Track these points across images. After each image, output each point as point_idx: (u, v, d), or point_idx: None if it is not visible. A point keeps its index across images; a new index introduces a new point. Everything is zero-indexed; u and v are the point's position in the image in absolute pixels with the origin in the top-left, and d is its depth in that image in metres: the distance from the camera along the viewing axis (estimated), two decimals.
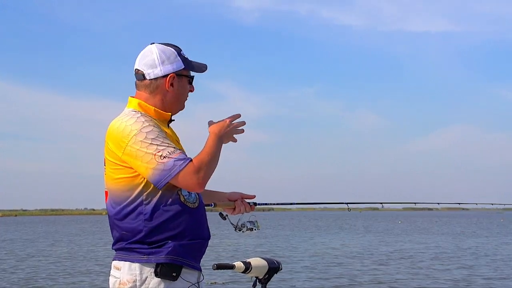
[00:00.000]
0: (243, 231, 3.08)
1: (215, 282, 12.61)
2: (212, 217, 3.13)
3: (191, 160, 2.57)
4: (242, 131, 2.82)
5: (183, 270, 2.63)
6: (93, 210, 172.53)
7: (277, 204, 3.37)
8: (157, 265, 2.58)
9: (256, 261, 3.17)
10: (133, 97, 2.78)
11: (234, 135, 2.81)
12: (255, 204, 3.10)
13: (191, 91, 2.83)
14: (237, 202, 3.04)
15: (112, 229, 2.72)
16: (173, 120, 2.83)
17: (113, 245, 2.73)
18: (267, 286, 3.21)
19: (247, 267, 3.14)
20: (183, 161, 2.54)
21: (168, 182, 2.55)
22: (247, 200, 3.08)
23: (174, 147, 2.57)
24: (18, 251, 23.35)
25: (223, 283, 12.63)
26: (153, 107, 2.73)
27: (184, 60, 2.76)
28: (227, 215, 3.05)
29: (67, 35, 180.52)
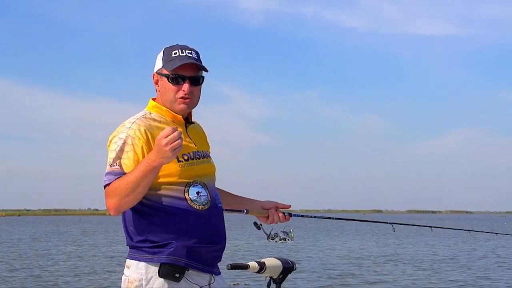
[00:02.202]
0: (276, 241, 3.06)
1: (238, 284, 12.57)
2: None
3: (109, 183, 2.53)
4: (178, 144, 2.44)
5: (190, 271, 2.63)
6: (97, 210, 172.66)
7: (314, 216, 3.32)
8: (161, 265, 2.59)
9: (271, 261, 3.16)
10: (154, 98, 2.83)
11: (172, 150, 2.45)
12: (290, 214, 3.07)
13: (183, 90, 2.71)
14: (271, 211, 3.01)
15: (123, 226, 2.75)
16: (193, 122, 2.84)
17: (126, 242, 2.75)
18: (281, 286, 3.20)
19: (262, 267, 3.13)
20: (108, 178, 2.55)
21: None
22: (282, 210, 3.04)
23: (118, 162, 2.56)
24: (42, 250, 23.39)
25: (245, 284, 12.60)
26: (166, 108, 2.76)
27: (166, 59, 2.76)
28: (261, 224, 3.03)
29: (68, 36, 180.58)
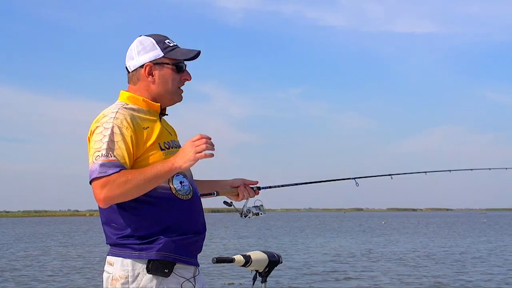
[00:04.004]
0: (249, 217, 3.06)
1: (233, 283, 12.53)
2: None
3: (109, 174, 2.46)
4: (209, 155, 2.54)
5: (177, 265, 2.60)
6: (77, 211, 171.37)
7: (281, 185, 3.30)
8: (149, 261, 2.55)
9: (256, 255, 3.15)
10: (125, 90, 2.77)
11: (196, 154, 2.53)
12: (258, 188, 3.08)
13: (186, 79, 2.76)
14: (240, 188, 3.02)
15: (103, 223, 2.68)
16: (167, 114, 2.81)
17: (106, 239, 2.69)
18: (267, 280, 3.18)
19: (247, 260, 3.11)
20: (104, 170, 2.46)
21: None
22: (251, 186, 3.06)
23: (113, 152, 2.49)
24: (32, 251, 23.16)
25: (240, 283, 12.57)
26: (142, 97, 2.70)
27: (165, 48, 2.70)
28: (231, 202, 3.04)
29: (57, 37, 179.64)
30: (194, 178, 2.86)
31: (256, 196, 3.06)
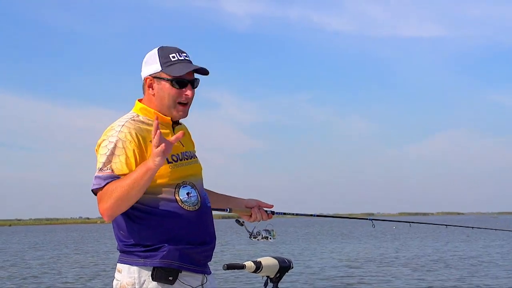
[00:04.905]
0: (258, 239, 3.06)
1: None
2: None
3: (102, 187, 2.49)
4: (161, 147, 2.44)
5: (183, 273, 2.62)
6: (88, 218, 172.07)
7: (296, 214, 3.33)
8: (153, 269, 2.58)
9: (267, 260, 3.14)
10: (141, 100, 2.78)
11: (159, 148, 2.45)
12: (272, 213, 3.09)
13: (187, 95, 2.70)
14: (254, 209, 3.03)
15: (114, 230, 2.72)
16: (180, 123, 2.81)
17: (117, 246, 2.73)
18: (278, 285, 3.17)
19: (258, 266, 3.11)
20: (98, 182, 2.51)
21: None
22: (265, 209, 3.07)
23: (110, 165, 2.52)
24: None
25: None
26: (154, 110, 2.71)
27: (165, 62, 2.68)
28: (243, 222, 3.04)
29: (60, 44, 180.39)
30: (210, 189, 2.89)
31: (269, 220, 3.07)
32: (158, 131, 2.44)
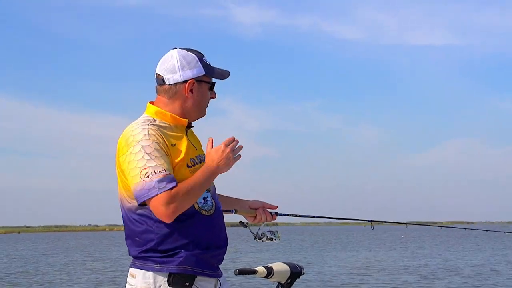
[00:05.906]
0: (262, 240, 3.06)
1: None
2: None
3: (171, 188, 2.49)
4: (239, 156, 2.68)
5: (198, 278, 2.62)
6: (97, 226, 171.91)
7: (299, 215, 3.33)
8: (170, 274, 2.58)
9: (278, 266, 3.15)
10: (152, 102, 2.76)
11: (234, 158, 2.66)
12: (276, 214, 3.09)
13: (213, 97, 2.80)
14: (258, 210, 3.03)
15: (126, 237, 2.70)
16: (192, 126, 2.80)
17: (129, 252, 2.71)
18: None
19: (269, 272, 3.12)
20: (163, 186, 2.48)
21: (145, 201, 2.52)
22: (269, 210, 3.07)
23: (164, 168, 2.51)
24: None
25: None
26: (170, 113, 2.70)
27: (205, 66, 2.73)
28: (247, 223, 3.05)
29: (66, 50, 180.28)
30: (218, 193, 2.89)
31: (273, 221, 3.07)
32: (237, 140, 2.63)
